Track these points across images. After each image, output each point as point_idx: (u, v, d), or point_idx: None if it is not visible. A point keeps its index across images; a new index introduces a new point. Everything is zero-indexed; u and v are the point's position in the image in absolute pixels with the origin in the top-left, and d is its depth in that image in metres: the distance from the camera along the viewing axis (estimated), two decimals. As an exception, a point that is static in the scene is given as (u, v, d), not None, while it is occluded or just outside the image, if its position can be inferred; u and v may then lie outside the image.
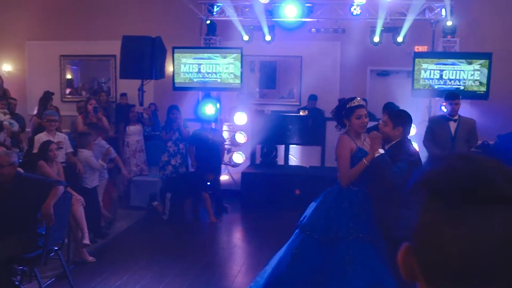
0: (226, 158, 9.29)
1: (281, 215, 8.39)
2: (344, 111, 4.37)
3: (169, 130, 8.51)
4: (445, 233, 0.87)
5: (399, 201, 4.07)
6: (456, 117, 6.71)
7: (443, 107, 6.92)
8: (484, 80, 8.47)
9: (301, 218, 4.59)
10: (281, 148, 9.82)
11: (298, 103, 11.62)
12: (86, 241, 5.88)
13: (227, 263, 6.34)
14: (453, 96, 6.79)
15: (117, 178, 8.88)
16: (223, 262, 6.33)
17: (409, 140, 4.26)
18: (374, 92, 11.42)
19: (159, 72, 9.30)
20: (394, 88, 10.47)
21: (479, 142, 9.59)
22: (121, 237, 7.12)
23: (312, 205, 4.59)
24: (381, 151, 4.03)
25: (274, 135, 9.53)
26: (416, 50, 10.76)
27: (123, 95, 11.19)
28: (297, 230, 4.52)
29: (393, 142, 4.19)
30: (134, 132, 8.82)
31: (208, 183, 8.80)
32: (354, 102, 4.34)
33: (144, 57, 9.00)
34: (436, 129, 6.80)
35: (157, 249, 6.61)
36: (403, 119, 4.22)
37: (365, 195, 4.30)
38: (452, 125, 6.65)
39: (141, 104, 9.40)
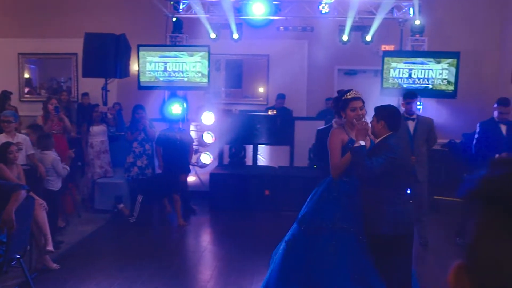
0: (193, 158, 9.06)
1: (251, 216, 8.25)
2: (340, 103, 4.37)
3: (134, 130, 8.24)
4: (507, 249, 0.72)
5: (383, 197, 3.99)
6: (414, 116, 6.69)
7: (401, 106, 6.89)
8: (452, 79, 8.51)
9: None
10: (250, 148, 9.66)
11: (266, 103, 11.50)
12: (50, 247, 5.58)
13: (198, 268, 6.14)
14: (412, 95, 6.80)
15: (80, 180, 8.57)
16: (193, 267, 6.12)
17: (398, 138, 4.10)
18: (342, 91, 11.38)
19: (124, 71, 9.00)
20: (361, 87, 10.23)
21: (446, 140, 9.70)
22: (87, 242, 6.83)
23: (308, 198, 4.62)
24: (362, 142, 3.96)
25: (242, 135, 9.37)
26: (383, 49, 10.79)
27: (85, 94, 10.84)
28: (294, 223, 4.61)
29: (380, 138, 4.08)
30: (98, 133, 8.50)
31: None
32: (350, 94, 4.33)
33: (108, 55, 8.70)
34: None
35: (125, 254, 6.35)
36: (383, 112, 4.10)
37: (355, 186, 4.27)
38: (411, 124, 6.64)
39: (105, 103, 9.08)
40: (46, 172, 6.42)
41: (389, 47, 10.80)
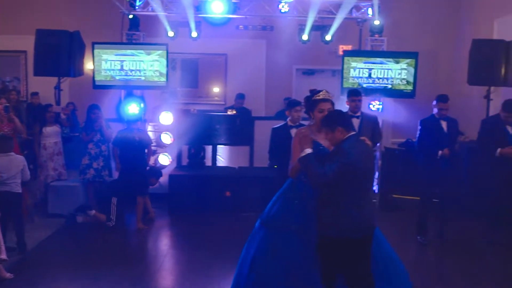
0: (151, 160, 8.81)
1: (211, 218, 8.09)
2: (310, 103, 4.35)
3: (90, 131, 7.94)
4: None
5: (336, 201, 3.91)
6: (358, 114, 6.74)
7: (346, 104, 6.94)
8: (411, 79, 8.60)
9: None
10: (209, 149, 9.49)
11: (224, 102, 11.36)
12: (3, 255, 5.28)
13: (160, 273, 5.91)
14: (356, 92, 6.88)
15: (32, 184, 8.18)
16: (155, 273, 5.89)
17: (354, 139, 3.98)
18: (300, 91, 11.34)
19: (78, 69, 8.65)
20: (319, 87, 10.36)
21: (403, 140, 9.81)
22: (41, 249, 6.51)
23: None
24: (308, 150, 3.92)
25: (201, 135, 9.18)
26: (341, 49, 10.86)
27: (35, 94, 10.41)
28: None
29: (338, 143, 4.01)
30: (51, 134, 8.15)
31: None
32: (319, 95, 4.31)
33: (61, 53, 8.34)
34: None
35: (83, 260, 6.08)
36: (335, 119, 3.99)
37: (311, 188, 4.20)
38: (356, 122, 6.71)
39: (58, 103, 8.71)
40: (14, 176, 6.06)
41: (347, 47, 10.86)
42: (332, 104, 4.29)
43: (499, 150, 6.62)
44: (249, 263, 4.32)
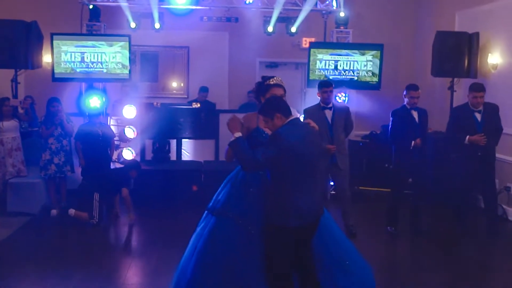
0: (114, 154, 8.56)
1: (179, 213, 7.90)
2: (262, 88, 4.24)
3: (50, 125, 7.62)
4: None
5: (278, 188, 3.83)
6: (330, 105, 6.72)
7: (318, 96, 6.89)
8: (377, 71, 8.65)
9: None
10: (174, 143, 9.29)
11: (186, 96, 11.14)
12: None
13: (129, 272, 5.70)
14: (327, 84, 6.82)
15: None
16: (123, 271, 5.69)
17: (294, 123, 3.85)
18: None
19: (36, 61, 8.27)
20: (283, 80, 10.32)
21: (368, 132, 9.87)
22: (2, 249, 6.18)
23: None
24: (237, 134, 3.85)
25: (165, 129, 9.00)
26: (304, 42, 10.83)
27: (-12, 88, 9.94)
28: None
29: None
30: (9, 129, 7.77)
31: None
32: (272, 81, 4.22)
33: (18, 44, 7.94)
34: (312, 118, 6.73)
35: (48, 260, 5.80)
36: (273, 106, 3.87)
37: (260, 175, 4.07)
38: (328, 113, 6.69)
39: (15, 96, 8.32)
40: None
41: (310, 40, 10.83)
42: (284, 91, 4.21)
43: (467, 137, 6.70)
44: (192, 251, 4.24)
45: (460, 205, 7.14)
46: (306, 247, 3.96)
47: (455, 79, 8.62)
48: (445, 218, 7.54)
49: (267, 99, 4.07)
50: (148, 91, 11.13)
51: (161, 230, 7.18)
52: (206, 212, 4.37)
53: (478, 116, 6.82)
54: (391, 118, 6.90)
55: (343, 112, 6.79)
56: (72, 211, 7.23)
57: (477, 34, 8.35)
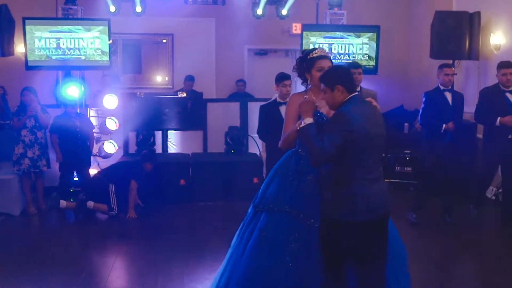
0: (95, 148, 7.98)
1: (166, 209, 7.36)
2: (305, 63, 3.70)
3: (22, 116, 7.02)
4: None
5: (342, 178, 3.29)
6: (358, 89, 6.17)
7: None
8: (373, 54, 8.17)
9: None
10: (159, 135, 8.72)
11: (171, 86, 10.57)
12: None
13: (114, 273, 5.16)
14: (355, 65, 6.41)
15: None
16: (108, 272, 5.14)
17: (357, 101, 3.31)
18: (253, 72, 10.77)
19: (7, 48, 7.65)
20: (272, 68, 9.86)
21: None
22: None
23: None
24: (308, 120, 3.26)
25: (150, 120, 8.40)
26: (294, 27, 10.32)
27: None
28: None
29: (338, 106, 3.36)
30: (-22, 121, 7.18)
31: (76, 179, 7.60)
32: (316, 52, 3.70)
33: (-14, 29, 7.35)
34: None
35: (28, 260, 5.25)
36: (338, 75, 3.35)
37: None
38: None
39: (-15, 87, 7.72)
40: None
41: (300, 26, 10.31)
42: (332, 63, 3.71)
43: (499, 119, 6.27)
44: (241, 252, 3.64)
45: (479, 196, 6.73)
46: (379, 248, 3.36)
47: (456, 62, 8.16)
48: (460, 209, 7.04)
49: (331, 66, 3.60)
50: (131, 83, 10.56)
51: (146, 227, 6.65)
52: (251, 210, 3.80)
53: (510, 96, 6.36)
54: (423, 99, 6.47)
55: (371, 97, 6.23)
56: (91, 203, 6.93)
57: (478, 13, 7.90)
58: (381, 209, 3.31)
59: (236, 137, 8.36)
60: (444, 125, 6.26)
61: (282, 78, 6.02)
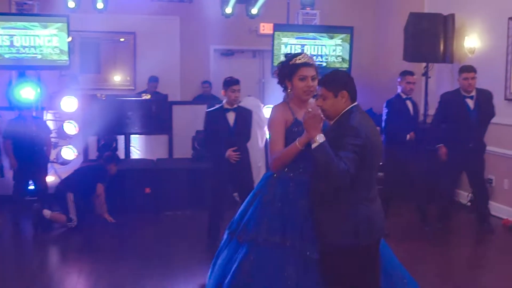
0: (52, 154, 7.43)
1: (130, 220, 6.90)
2: (287, 69, 3.29)
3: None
4: None
5: (342, 196, 2.96)
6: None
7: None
8: (347, 56, 7.90)
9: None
10: (122, 139, 8.23)
11: (133, 87, 10.05)
12: None
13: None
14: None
15: None
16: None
17: (358, 110, 3.01)
18: (219, 74, 10.32)
19: (-46, 46, 7.04)
20: (239, 69, 9.54)
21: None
22: None
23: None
24: (321, 138, 2.84)
25: (111, 124, 7.90)
26: (262, 27, 10.01)
27: None
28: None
29: (337, 118, 3.02)
30: None
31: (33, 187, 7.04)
32: (300, 59, 3.26)
33: None
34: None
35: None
36: (342, 80, 3.03)
37: (302, 184, 3.17)
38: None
39: None
40: None
41: (268, 26, 10.00)
42: (317, 72, 3.30)
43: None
44: None
45: (447, 203, 6.54)
46: (373, 272, 3.07)
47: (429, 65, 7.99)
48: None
49: (334, 70, 3.23)
50: (90, 83, 9.97)
51: (110, 240, 6.20)
52: (227, 237, 3.38)
53: (470, 102, 6.22)
54: (385, 108, 6.25)
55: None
56: (47, 213, 6.44)
57: (452, 15, 7.75)
58: (380, 231, 3.04)
59: (204, 142, 7.95)
60: (408, 135, 6.15)
61: (230, 83, 5.62)
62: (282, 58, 3.46)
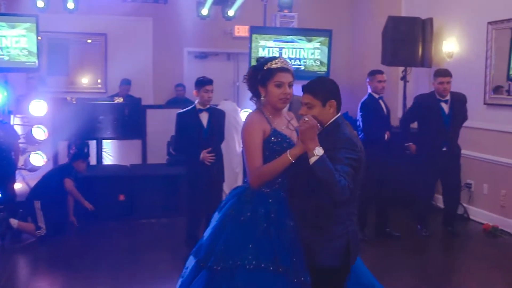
0: (20, 160, 7.10)
1: (103, 228, 6.62)
2: (261, 74, 2.99)
3: None
4: None
5: (331, 214, 2.79)
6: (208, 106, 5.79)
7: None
8: (325, 60, 7.78)
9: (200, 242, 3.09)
10: (93, 144, 7.93)
11: (104, 91, 9.73)
12: None
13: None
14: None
15: None
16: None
17: (345, 123, 2.86)
18: (193, 77, 10.02)
19: None
20: (213, 72, 9.26)
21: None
22: None
23: (214, 219, 3.09)
24: (319, 151, 2.61)
25: (83, 129, 7.58)
26: (237, 30, 9.85)
27: None
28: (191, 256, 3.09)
29: (326, 125, 2.86)
30: None
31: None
32: (276, 63, 2.97)
33: None
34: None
35: None
36: (330, 88, 2.87)
37: (282, 201, 2.92)
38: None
39: None
40: None
41: (243, 28, 9.83)
42: (293, 77, 3.02)
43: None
44: None
45: (424, 208, 6.47)
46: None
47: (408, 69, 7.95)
48: (407, 221, 6.80)
49: (321, 77, 3.02)
50: (58, 86, 9.61)
51: (82, 249, 5.90)
52: (194, 266, 2.98)
53: (445, 106, 6.20)
54: (360, 109, 6.14)
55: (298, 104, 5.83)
56: (14, 222, 6.13)
57: (430, 19, 7.71)
58: (359, 249, 2.91)
59: (176, 145, 7.72)
60: (386, 135, 6.09)
61: (203, 82, 5.46)
62: (255, 63, 3.14)
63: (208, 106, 5.53)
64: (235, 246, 2.80)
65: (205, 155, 5.40)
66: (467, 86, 6.79)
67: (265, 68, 2.98)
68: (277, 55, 7.64)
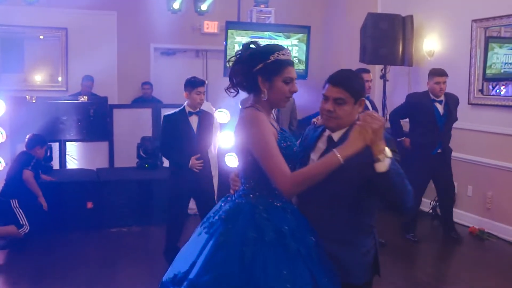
0: (-24, 165, 6.48)
1: (70, 238, 6.11)
2: (263, 66, 2.41)
3: None
4: None
5: (358, 225, 2.49)
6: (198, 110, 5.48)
7: None
8: (303, 57, 7.44)
9: (179, 268, 2.40)
10: (56, 147, 7.36)
11: (65, 89, 9.11)
12: None
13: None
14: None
15: None
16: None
17: None
18: (160, 74, 9.62)
19: None
20: (181, 70, 8.87)
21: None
22: None
23: (200, 239, 2.43)
24: (389, 152, 2.28)
25: (44, 130, 6.97)
26: (206, 25, 9.44)
27: None
28: None
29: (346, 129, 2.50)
30: None
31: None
32: (284, 54, 2.44)
33: None
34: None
35: None
36: (362, 84, 2.56)
37: (298, 215, 2.44)
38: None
39: None
40: None
41: (212, 24, 9.44)
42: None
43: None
44: None
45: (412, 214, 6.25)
46: None
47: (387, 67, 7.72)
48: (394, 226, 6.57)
49: (349, 70, 2.64)
50: (13, 84, 8.92)
51: (49, 262, 5.37)
52: None
53: (440, 107, 5.99)
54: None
55: (290, 104, 5.55)
56: None
57: (411, 17, 7.50)
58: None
59: (151, 149, 7.27)
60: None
61: (195, 84, 5.04)
62: (252, 46, 2.50)
63: (198, 109, 5.12)
64: (270, 276, 2.23)
65: (194, 162, 5.00)
66: (449, 85, 6.58)
67: (271, 58, 2.43)
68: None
